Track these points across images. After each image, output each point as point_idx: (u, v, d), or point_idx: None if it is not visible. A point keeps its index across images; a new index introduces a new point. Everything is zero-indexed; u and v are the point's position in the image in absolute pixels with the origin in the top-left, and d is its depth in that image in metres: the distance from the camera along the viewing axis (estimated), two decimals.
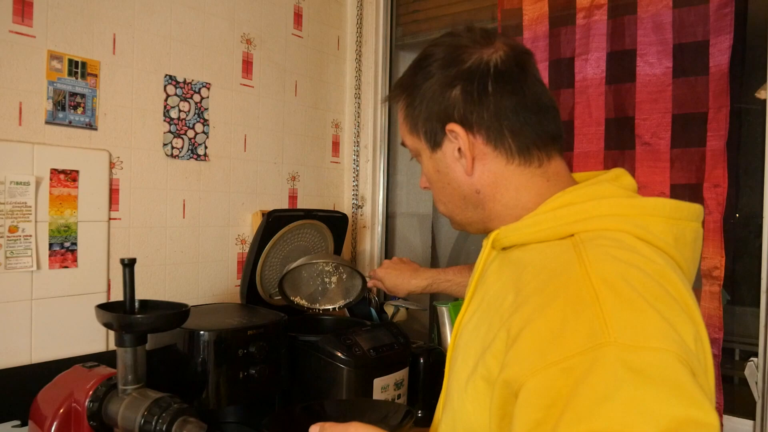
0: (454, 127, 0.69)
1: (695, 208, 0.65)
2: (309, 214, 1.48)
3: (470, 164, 0.69)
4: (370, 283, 1.48)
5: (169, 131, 1.45)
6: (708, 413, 0.45)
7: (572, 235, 0.61)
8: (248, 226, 1.64)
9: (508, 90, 0.67)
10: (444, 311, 1.55)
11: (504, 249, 0.70)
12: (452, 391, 0.68)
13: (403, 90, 0.75)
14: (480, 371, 0.60)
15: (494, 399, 0.56)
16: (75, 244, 1.26)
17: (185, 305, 1.04)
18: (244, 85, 1.63)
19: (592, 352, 0.48)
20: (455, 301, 1.64)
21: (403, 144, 0.78)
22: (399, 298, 1.92)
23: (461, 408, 0.64)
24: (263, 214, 1.63)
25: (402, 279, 1.35)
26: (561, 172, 0.71)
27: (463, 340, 0.68)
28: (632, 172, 1.43)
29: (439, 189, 0.76)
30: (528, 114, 0.68)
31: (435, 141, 0.72)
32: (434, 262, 2.10)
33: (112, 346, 1.20)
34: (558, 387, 0.48)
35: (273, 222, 1.40)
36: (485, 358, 0.60)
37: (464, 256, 2.00)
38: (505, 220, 0.70)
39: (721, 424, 1.24)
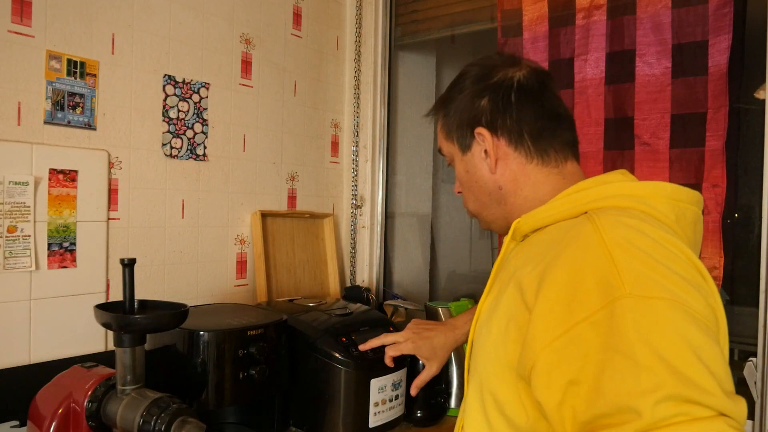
0: (481, 130, 0.80)
1: (694, 194, 0.72)
2: None
3: (494, 163, 0.80)
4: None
5: (168, 131, 1.45)
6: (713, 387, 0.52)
7: (586, 212, 0.69)
8: (247, 226, 1.64)
9: (529, 101, 0.79)
10: (440, 312, 1.55)
11: (524, 238, 0.77)
12: (477, 363, 0.73)
13: (442, 105, 0.87)
14: (510, 335, 0.65)
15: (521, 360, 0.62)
16: (74, 244, 1.26)
17: (184, 305, 1.04)
18: (243, 85, 1.63)
19: (611, 305, 0.54)
20: (455, 301, 1.64)
21: (440, 152, 0.90)
22: (398, 297, 1.92)
23: (490, 377, 0.70)
24: (262, 214, 1.64)
25: (440, 336, 1.20)
26: (576, 172, 0.80)
27: (485, 317, 0.75)
28: (631, 172, 1.43)
29: (468, 188, 0.86)
30: (545, 121, 0.79)
31: (465, 144, 0.83)
32: (433, 262, 2.10)
33: (111, 347, 1.20)
34: (588, 339, 0.54)
35: None
36: (510, 325, 0.65)
37: (463, 255, 2.00)
38: (524, 212, 0.78)
39: None
